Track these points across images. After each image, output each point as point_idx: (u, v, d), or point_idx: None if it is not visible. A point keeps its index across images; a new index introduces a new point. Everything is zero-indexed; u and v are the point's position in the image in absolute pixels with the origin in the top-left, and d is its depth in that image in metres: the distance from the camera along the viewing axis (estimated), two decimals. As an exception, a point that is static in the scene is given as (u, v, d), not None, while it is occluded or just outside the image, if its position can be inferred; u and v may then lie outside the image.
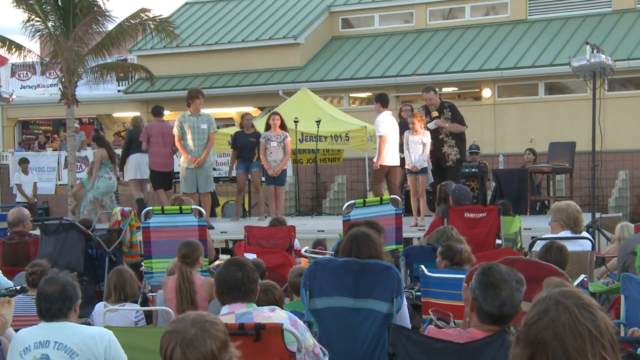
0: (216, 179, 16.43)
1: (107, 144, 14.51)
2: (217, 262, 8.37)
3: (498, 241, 8.98)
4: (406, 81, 21.19)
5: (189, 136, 12.21)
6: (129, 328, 5.94)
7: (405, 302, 5.01)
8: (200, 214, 8.74)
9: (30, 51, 17.27)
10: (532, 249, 7.79)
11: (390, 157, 12.08)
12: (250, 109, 22.48)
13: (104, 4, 16.88)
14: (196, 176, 12.28)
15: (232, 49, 23.74)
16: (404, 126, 12.31)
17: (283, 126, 13.16)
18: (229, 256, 9.39)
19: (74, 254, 8.54)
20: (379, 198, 9.43)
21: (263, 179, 13.73)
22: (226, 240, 12.63)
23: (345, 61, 22.70)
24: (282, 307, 4.78)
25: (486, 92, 21.07)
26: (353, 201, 8.85)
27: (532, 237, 8.30)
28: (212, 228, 11.45)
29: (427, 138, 11.49)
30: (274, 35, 23.53)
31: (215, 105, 21.81)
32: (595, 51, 11.32)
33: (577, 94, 19.72)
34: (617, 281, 7.25)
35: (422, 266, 6.03)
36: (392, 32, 23.60)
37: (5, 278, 7.35)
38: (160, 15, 17.50)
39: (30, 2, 16.77)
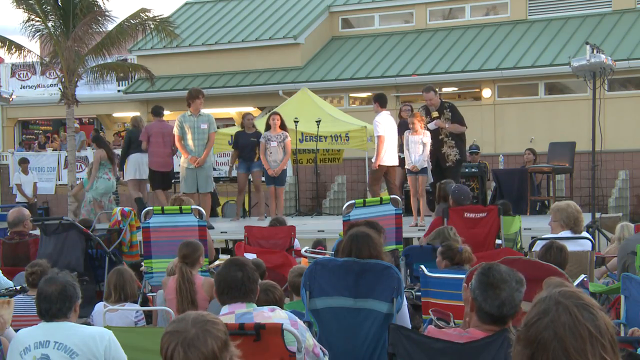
0: (216, 179, 16.44)
1: (106, 144, 14.51)
2: (217, 262, 8.37)
3: (498, 241, 8.98)
4: (406, 81, 21.19)
5: (189, 136, 12.22)
6: (128, 328, 5.94)
7: (405, 302, 5.01)
8: (200, 214, 8.74)
9: (30, 51, 17.27)
10: (532, 249, 7.79)
11: (388, 157, 12.07)
12: (250, 109, 22.47)
13: (104, 4, 16.91)
14: (196, 176, 12.29)
15: (232, 49, 23.74)
16: (404, 126, 12.30)
17: (283, 126, 13.16)
18: (229, 256, 9.39)
19: (74, 254, 8.54)
20: (379, 198, 9.43)
21: (263, 179, 13.73)
22: (226, 240, 12.63)
23: (345, 61, 22.70)
24: (282, 307, 4.78)
25: (486, 92, 21.07)
26: (353, 201, 8.85)
27: (532, 237, 8.30)
28: (212, 228, 11.45)
29: (427, 138, 11.49)
30: (274, 35, 23.53)
31: (215, 105, 21.81)
32: (595, 51, 11.32)
33: (577, 94, 19.72)
34: (617, 281, 7.25)
35: (422, 266, 6.03)
36: (392, 32, 23.60)
37: (5, 278, 7.36)
38: (161, 15, 17.50)
39: (30, 2, 16.76)
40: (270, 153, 12.97)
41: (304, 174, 19.77)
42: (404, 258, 7.39)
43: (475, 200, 12.69)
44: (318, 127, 15.55)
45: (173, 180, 14.53)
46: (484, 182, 13.84)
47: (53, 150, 24.11)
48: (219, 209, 16.41)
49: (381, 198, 9.26)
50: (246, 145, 13.55)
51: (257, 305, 4.37)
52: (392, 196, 9.39)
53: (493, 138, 20.60)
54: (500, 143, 20.46)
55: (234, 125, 20.99)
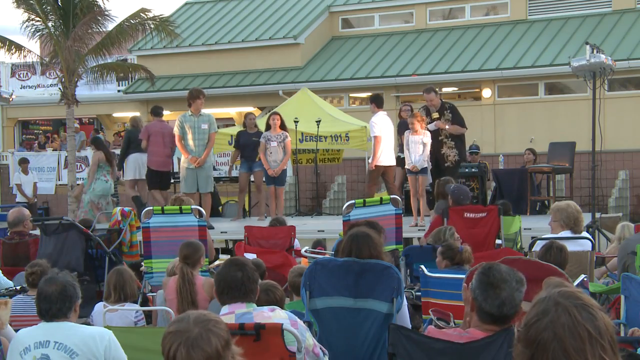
0: (216, 179, 16.44)
1: (105, 147, 14.52)
2: (217, 262, 8.37)
3: (498, 241, 8.98)
4: (406, 81, 21.19)
5: (189, 136, 12.21)
6: (128, 328, 5.94)
7: (405, 302, 5.01)
8: (200, 214, 8.74)
9: (30, 51, 17.27)
10: (532, 249, 7.79)
11: (385, 157, 12.07)
12: (250, 109, 22.43)
13: (103, 3, 16.90)
14: (196, 176, 12.29)
15: (232, 49, 23.74)
16: (404, 126, 12.30)
17: (283, 126, 13.16)
18: (229, 256, 9.39)
19: (74, 254, 8.54)
20: (379, 198, 9.43)
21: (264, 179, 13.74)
22: (226, 240, 12.64)
23: (345, 61, 22.70)
24: (283, 308, 4.78)
25: (486, 92, 21.07)
26: (353, 201, 8.85)
27: (532, 237, 8.31)
28: (212, 228, 11.45)
29: (427, 138, 11.49)
30: (274, 35, 23.53)
31: (215, 105, 21.80)
32: (595, 51, 11.32)
33: (577, 94, 19.72)
34: (617, 281, 7.25)
35: (422, 266, 6.03)
36: (392, 32, 23.60)
37: (5, 278, 7.37)
38: (161, 15, 17.50)
39: (31, 2, 16.76)
40: (270, 153, 12.97)
41: (304, 174, 19.77)
42: (404, 258, 7.40)
43: (475, 200, 12.69)
44: (318, 127, 15.55)
45: (172, 181, 14.53)
46: (484, 182, 13.84)
47: (53, 150, 24.12)
48: (220, 209, 16.40)
49: (381, 198, 9.26)
50: (248, 145, 13.56)
51: (258, 305, 4.37)
52: (392, 196, 9.38)
53: (493, 138, 20.60)
54: (500, 143, 20.47)
55: (234, 125, 21.00)
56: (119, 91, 24.63)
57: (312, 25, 23.74)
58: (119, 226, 9.06)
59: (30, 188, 19.21)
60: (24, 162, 19.57)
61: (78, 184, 16.36)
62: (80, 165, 20.92)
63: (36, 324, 4.48)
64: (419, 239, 10.23)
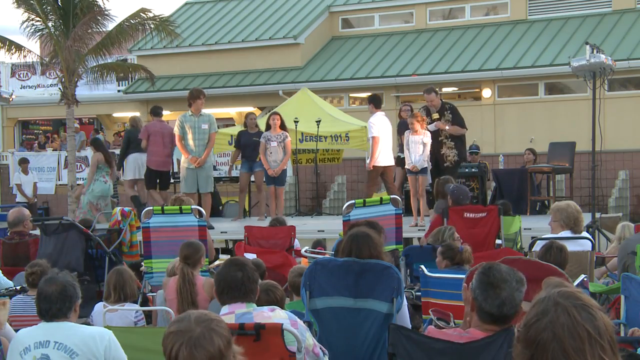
0: (217, 179, 16.44)
1: (104, 148, 14.51)
2: (217, 262, 8.37)
3: (498, 241, 8.98)
4: (406, 81, 21.19)
5: (189, 136, 12.22)
6: (128, 328, 5.94)
7: (405, 302, 5.01)
8: (200, 214, 8.74)
9: (30, 51, 17.27)
10: (532, 249, 7.79)
11: (383, 158, 12.07)
12: (250, 109, 22.43)
13: (103, 3, 16.90)
14: (196, 176, 12.29)
15: (232, 49, 23.74)
16: (404, 126, 12.29)
17: (283, 126, 13.16)
18: (229, 256, 9.39)
19: (74, 254, 8.54)
20: (379, 198, 9.43)
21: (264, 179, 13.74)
22: (226, 240, 12.63)
23: (345, 61, 22.69)
24: (283, 308, 4.78)
25: (486, 92, 21.07)
26: (353, 201, 8.85)
27: (532, 237, 8.31)
28: (212, 228, 11.45)
29: (427, 138, 11.48)
30: (274, 35, 23.53)
31: (215, 105, 21.80)
32: (595, 51, 11.32)
33: (577, 94, 19.72)
34: (617, 281, 7.25)
35: (422, 266, 6.03)
36: (392, 32, 23.60)
37: (5, 278, 7.37)
38: (161, 15, 17.50)
39: (31, 2, 16.77)
40: (270, 153, 12.97)
41: (304, 174, 19.77)
42: (404, 258, 7.40)
43: (475, 200, 12.69)
44: (318, 127, 15.55)
45: (172, 181, 14.52)
46: (484, 182, 13.84)
47: (53, 150, 24.12)
48: (220, 208, 16.40)
49: (381, 198, 9.26)
50: (249, 145, 13.56)
51: (258, 305, 4.37)
52: (392, 196, 9.38)
53: (493, 138, 20.60)
54: (500, 143, 20.47)
55: (234, 125, 21.00)
56: (119, 91, 24.64)
57: (312, 25, 23.74)
58: (119, 226, 9.06)
59: (30, 188, 19.22)
60: (24, 162, 19.57)
61: (78, 184, 16.36)
62: (80, 165, 20.92)
63: (36, 324, 4.48)
64: (419, 239, 10.22)
